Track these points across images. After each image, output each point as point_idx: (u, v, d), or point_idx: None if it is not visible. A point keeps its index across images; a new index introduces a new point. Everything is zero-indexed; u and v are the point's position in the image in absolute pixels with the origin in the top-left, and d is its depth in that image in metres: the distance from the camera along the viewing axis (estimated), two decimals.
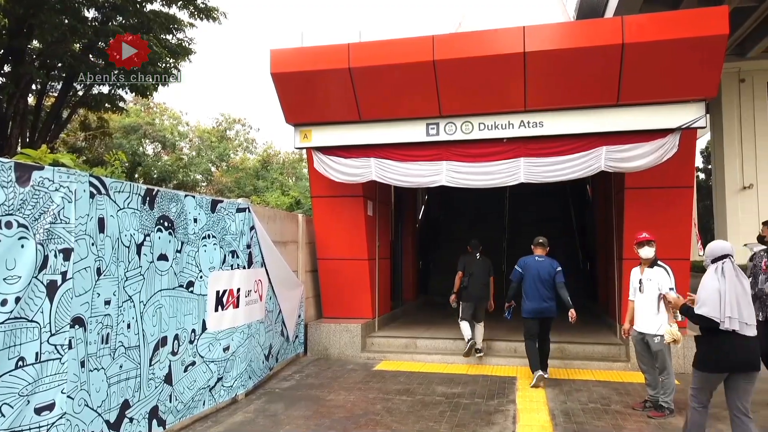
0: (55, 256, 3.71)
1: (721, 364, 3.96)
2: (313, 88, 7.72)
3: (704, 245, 8.65)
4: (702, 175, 41.76)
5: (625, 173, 7.44)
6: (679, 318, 5.08)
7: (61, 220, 3.76)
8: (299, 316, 8.14)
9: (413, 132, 7.71)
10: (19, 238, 3.50)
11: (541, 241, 6.92)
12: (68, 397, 3.72)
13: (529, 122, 7.33)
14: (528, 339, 6.77)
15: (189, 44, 15.21)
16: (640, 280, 5.61)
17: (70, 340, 3.76)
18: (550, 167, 7.21)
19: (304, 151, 8.78)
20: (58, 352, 3.68)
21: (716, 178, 29.06)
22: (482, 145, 7.52)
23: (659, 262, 5.55)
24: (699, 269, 7.55)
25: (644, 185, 7.46)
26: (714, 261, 4.05)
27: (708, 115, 6.94)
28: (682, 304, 4.30)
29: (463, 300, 7.80)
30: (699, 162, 41.83)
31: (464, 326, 7.72)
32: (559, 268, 6.72)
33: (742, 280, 3.94)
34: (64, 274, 3.75)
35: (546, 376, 6.76)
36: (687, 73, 6.62)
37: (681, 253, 7.25)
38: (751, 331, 3.90)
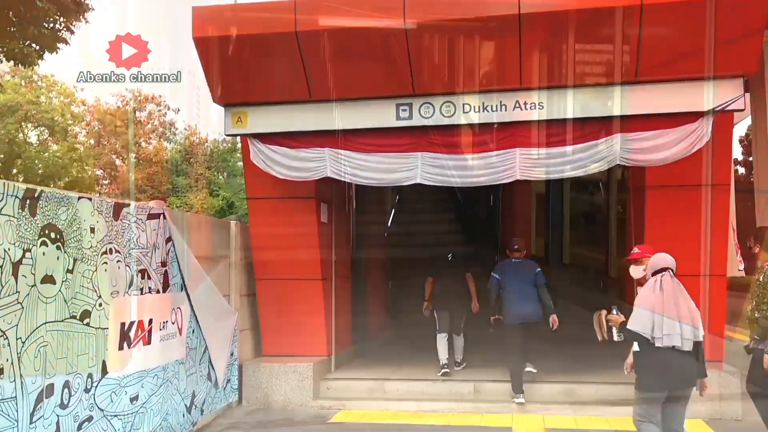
0: None
1: (661, 383, 4.75)
2: (248, 58, 7.68)
3: (745, 258, 8.88)
4: (741, 170, 43.04)
5: (645, 168, 7.62)
6: (616, 338, 5.58)
7: None
8: (232, 354, 8.07)
9: (380, 115, 7.75)
10: None
11: (516, 246, 8.26)
12: None
13: (526, 103, 7.42)
14: (512, 354, 7.82)
15: None
16: None
17: None
18: (552, 161, 7.32)
19: (238, 138, 8.73)
20: None
21: (759, 173, 29.95)
22: (467, 133, 7.60)
23: None
24: (738, 287, 7.78)
25: (669, 183, 7.65)
26: (654, 274, 4.82)
27: (747, 95, 7.17)
28: (620, 322, 4.99)
29: (437, 309, 8.83)
30: (737, 153, 43.09)
31: (441, 344, 8.65)
32: (539, 269, 8.05)
33: (678, 295, 4.71)
34: None
35: (533, 370, 7.93)
36: (721, 42, 6.80)
37: (715, 269, 7.45)
38: (677, 342, 4.60)
